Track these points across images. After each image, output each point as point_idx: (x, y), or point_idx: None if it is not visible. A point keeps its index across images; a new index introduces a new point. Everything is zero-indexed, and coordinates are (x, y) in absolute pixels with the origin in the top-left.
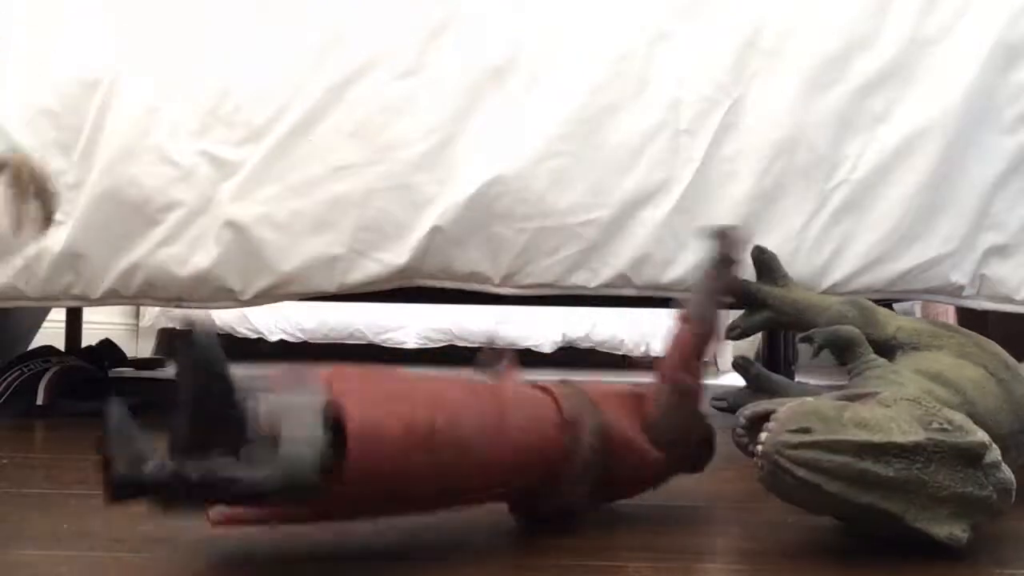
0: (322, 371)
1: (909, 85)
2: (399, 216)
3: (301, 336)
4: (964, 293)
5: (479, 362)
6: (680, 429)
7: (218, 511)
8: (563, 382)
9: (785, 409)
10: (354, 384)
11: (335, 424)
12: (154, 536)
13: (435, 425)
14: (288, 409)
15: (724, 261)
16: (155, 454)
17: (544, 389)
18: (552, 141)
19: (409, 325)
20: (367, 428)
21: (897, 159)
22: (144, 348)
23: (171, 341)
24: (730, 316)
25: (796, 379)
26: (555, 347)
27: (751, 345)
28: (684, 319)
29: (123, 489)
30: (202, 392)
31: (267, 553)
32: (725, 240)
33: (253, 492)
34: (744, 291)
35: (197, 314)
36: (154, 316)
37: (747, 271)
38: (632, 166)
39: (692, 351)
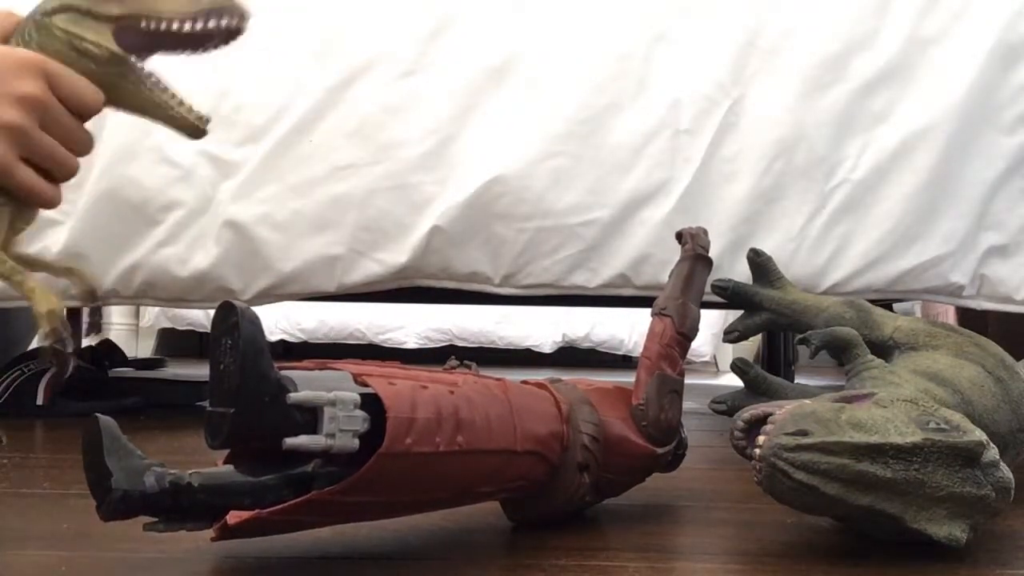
0: (339, 363)
1: (909, 85)
2: (399, 216)
3: (301, 336)
4: (964, 293)
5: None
6: (664, 421)
7: (221, 523)
8: (553, 380)
9: (782, 412)
10: (376, 370)
11: (369, 404)
12: (156, 535)
13: (460, 414)
14: (325, 387)
15: (697, 258)
16: (149, 465)
17: (540, 385)
18: (552, 141)
19: (409, 325)
20: (402, 409)
21: (897, 159)
22: (144, 348)
23: (220, 322)
24: (728, 318)
25: (796, 380)
26: (555, 347)
27: (751, 346)
28: (660, 312)
29: (124, 504)
30: (248, 379)
31: (268, 553)
32: (693, 239)
33: (297, 454)
34: (741, 294)
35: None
36: (154, 316)
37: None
38: (632, 166)
39: (670, 341)
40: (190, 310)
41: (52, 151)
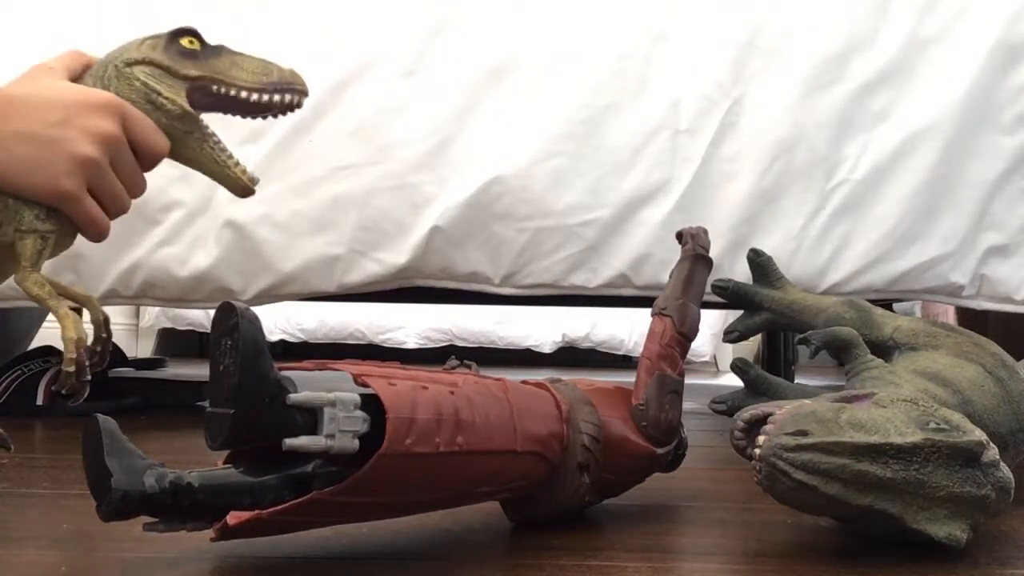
0: (339, 363)
1: (909, 85)
2: (399, 216)
3: (301, 336)
4: (964, 293)
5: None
6: (664, 421)
7: (221, 523)
8: (553, 380)
9: (782, 412)
10: (376, 370)
11: (368, 405)
12: (156, 535)
13: (460, 415)
14: (325, 387)
15: (697, 258)
16: (149, 465)
17: (540, 385)
18: (552, 141)
19: (409, 325)
20: (402, 410)
21: (897, 159)
22: (144, 348)
23: (220, 322)
24: (728, 318)
25: (796, 380)
26: (555, 347)
27: (751, 346)
28: (660, 312)
29: (124, 504)
30: (248, 379)
31: (268, 553)
32: (694, 239)
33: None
34: (741, 294)
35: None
36: (154, 316)
37: (744, 274)
38: (632, 166)
39: (670, 341)
40: (190, 310)
41: (115, 189)
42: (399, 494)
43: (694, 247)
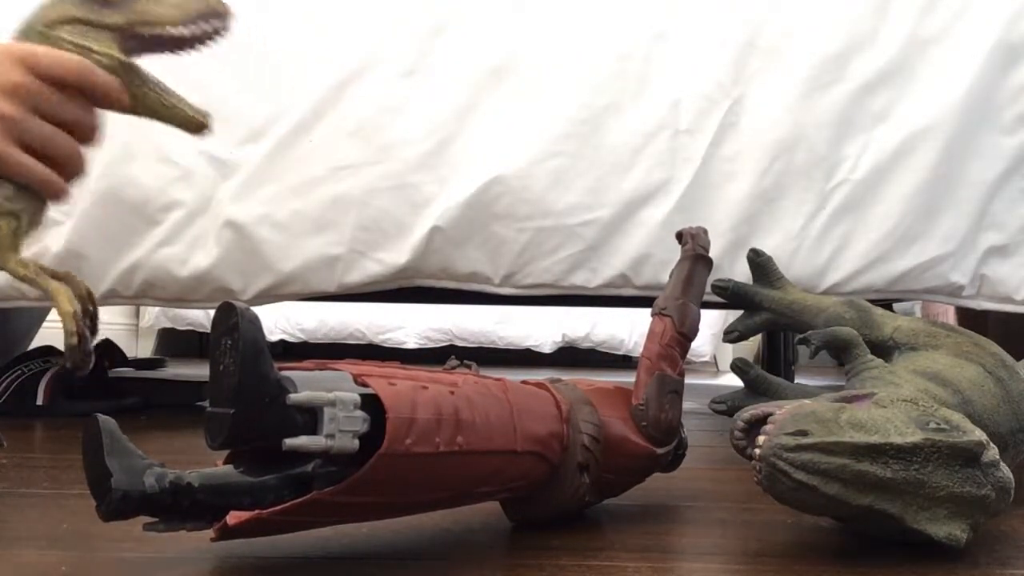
0: (339, 363)
1: (909, 85)
2: (399, 216)
3: (301, 336)
4: (964, 293)
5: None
6: (664, 421)
7: (221, 523)
8: (553, 380)
9: (782, 412)
10: (376, 370)
11: (369, 404)
12: (156, 535)
13: (460, 415)
14: (325, 387)
15: (697, 258)
16: (149, 465)
17: (540, 385)
18: (552, 141)
19: (409, 325)
20: (402, 410)
21: (897, 159)
22: (144, 348)
23: (220, 322)
24: (728, 318)
25: (796, 380)
26: (555, 347)
27: (751, 346)
28: (660, 312)
29: (124, 504)
30: (248, 379)
31: (268, 553)
32: (694, 239)
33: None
34: (741, 294)
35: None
36: (154, 316)
37: (744, 274)
38: (632, 166)
39: (670, 341)
40: (190, 310)
41: (51, 136)
42: (399, 494)
43: (694, 247)
